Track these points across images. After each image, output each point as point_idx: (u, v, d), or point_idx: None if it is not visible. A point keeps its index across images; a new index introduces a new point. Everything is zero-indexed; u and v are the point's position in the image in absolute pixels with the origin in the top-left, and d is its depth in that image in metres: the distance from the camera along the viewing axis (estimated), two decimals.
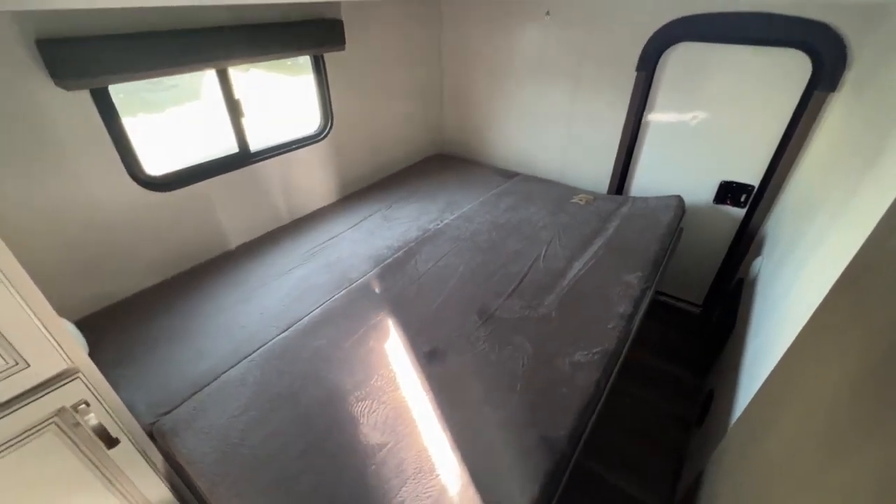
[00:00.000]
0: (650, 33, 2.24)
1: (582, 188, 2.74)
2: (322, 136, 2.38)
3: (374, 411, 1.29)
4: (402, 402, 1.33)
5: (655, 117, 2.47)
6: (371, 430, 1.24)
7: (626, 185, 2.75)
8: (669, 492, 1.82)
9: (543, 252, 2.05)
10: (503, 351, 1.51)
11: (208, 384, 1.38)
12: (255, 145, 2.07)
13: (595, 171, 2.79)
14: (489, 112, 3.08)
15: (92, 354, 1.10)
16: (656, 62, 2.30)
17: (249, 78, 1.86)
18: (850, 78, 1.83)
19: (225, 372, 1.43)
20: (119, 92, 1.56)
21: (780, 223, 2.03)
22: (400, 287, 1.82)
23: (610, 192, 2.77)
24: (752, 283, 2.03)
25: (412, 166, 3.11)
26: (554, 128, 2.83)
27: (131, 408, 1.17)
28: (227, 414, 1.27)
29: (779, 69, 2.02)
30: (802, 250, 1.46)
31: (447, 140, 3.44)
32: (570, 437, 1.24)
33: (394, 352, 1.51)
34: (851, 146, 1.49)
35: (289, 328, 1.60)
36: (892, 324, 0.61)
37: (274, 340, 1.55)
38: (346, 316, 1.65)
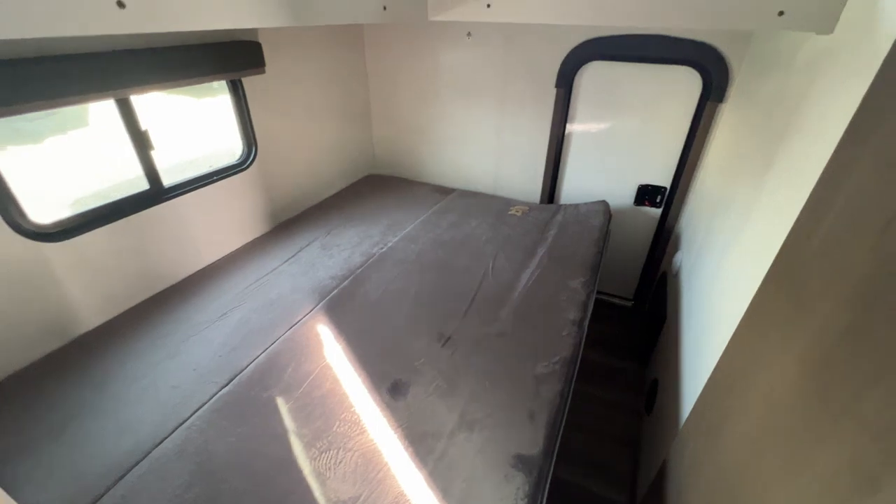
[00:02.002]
0: (565, 53, 2.41)
1: (517, 199, 2.84)
2: (246, 164, 2.21)
3: (340, 462, 1.19)
4: (371, 445, 1.24)
5: (576, 129, 2.65)
6: (340, 483, 1.14)
7: (556, 193, 2.90)
8: (632, 484, 1.91)
9: (491, 266, 2.08)
10: (467, 373, 1.49)
11: (137, 463, 1.18)
12: (168, 179, 1.86)
13: (527, 183, 2.91)
14: (420, 130, 3.09)
15: None
16: (572, 79, 2.48)
17: (145, 101, 1.65)
18: (734, 90, 2.11)
19: (157, 445, 1.23)
20: None
21: (693, 220, 2.26)
22: (351, 319, 1.73)
23: (542, 201, 2.91)
24: (676, 276, 2.23)
25: (346, 189, 3.00)
26: (484, 142, 2.92)
27: None
28: (168, 496, 1.09)
29: (676, 83, 2.28)
30: (720, 244, 1.63)
31: (379, 160, 3.38)
32: (544, 452, 1.24)
33: (354, 391, 1.41)
34: (745, 148, 1.71)
35: (230, 381, 1.43)
36: (832, 309, 0.68)
37: (214, 398, 1.37)
38: (297, 358, 1.52)
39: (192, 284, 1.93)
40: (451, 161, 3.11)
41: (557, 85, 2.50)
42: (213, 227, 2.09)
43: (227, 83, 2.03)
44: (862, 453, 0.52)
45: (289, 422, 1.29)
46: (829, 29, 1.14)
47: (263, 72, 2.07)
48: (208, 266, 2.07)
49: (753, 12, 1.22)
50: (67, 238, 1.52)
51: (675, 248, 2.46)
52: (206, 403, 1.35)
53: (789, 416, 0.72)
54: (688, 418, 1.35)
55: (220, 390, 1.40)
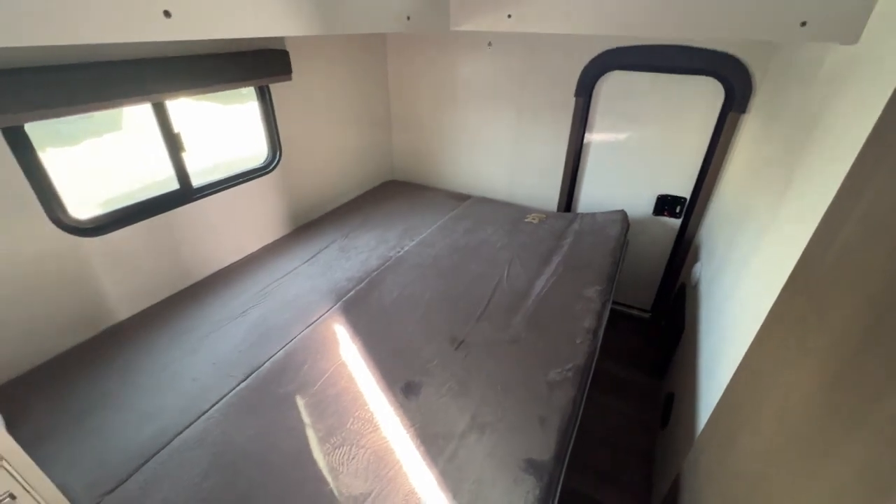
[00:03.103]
0: (585, 63, 2.42)
1: (533, 207, 2.84)
2: (270, 167, 2.28)
3: (353, 458, 1.21)
4: (383, 443, 1.26)
5: (595, 138, 2.65)
6: (353, 478, 1.16)
7: (573, 201, 2.90)
8: (646, 498, 1.87)
9: (506, 273, 2.09)
10: (479, 377, 1.49)
11: (158, 451, 1.23)
12: (197, 180, 1.94)
13: (543, 190, 2.92)
14: (438, 137, 3.13)
15: (11, 431, 0.93)
16: (592, 88, 2.49)
17: (174, 107, 1.74)
18: (757, 101, 2.08)
19: (178, 435, 1.28)
20: (32, 126, 1.39)
21: (713, 231, 2.23)
22: (367, 320, 1.76)
23: (559, 209, 2.90)
24: (695, 287, 2.19)
25: (365, 194, 3.07)
26: (501, 150, 2.94)
27: (65, 492, 1.00)
28: (186, 483, 1.13)
29: (698, 94, 2.26)
30: (740, 254, 1.60)
31: (398, 166, 3.44)
32: (555, 458, 1.24)
33: (368, 390, 1.44)
34: (766, 159, 1.68)
35: (248, 376, 1.48)
36: (850, 317, 0.68)
37: (233, 392, 1.41)
38: (313, 356, 1.55)
39: (215, 282, 2.00)
40: (469, 168, 3.14)
41: (577, 94, 2.51)
42: (237, 228, 2.16)
43: (255, 89, 2.11)
44: (876, 461, 0.52)
45: (304, 417, 1.32)
46: (853, 39, 1.13)
47: (290, 79, 2.15)
48: (231, 265, 2.14)
49: (776, 23, 1.21)
50: (103, 233, 1.60)
51: (695, 260, 2.42)
52: (225, 397, 1.40)
53: (803, 426, 0.71)
54: (703, 431, 1.33)
55: (238, 384, 1.44)
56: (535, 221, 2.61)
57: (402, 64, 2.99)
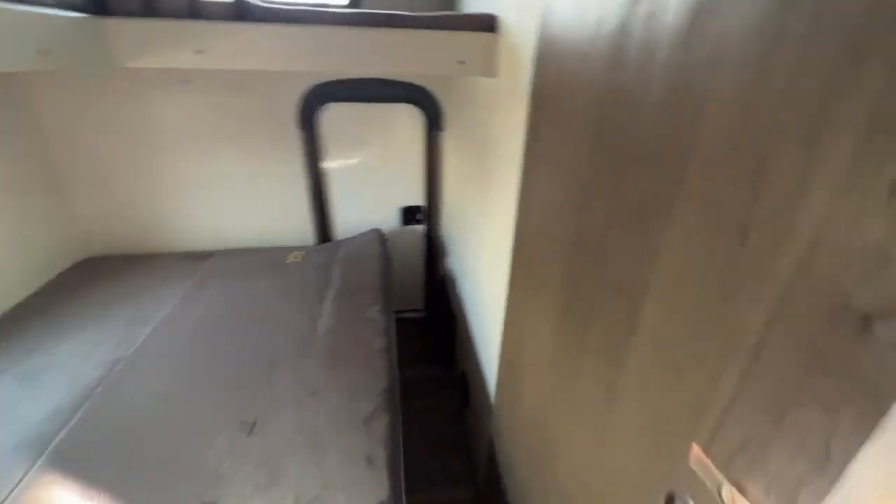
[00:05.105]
0: (297, 97, 2.43)
1: (290, 246, 2.69)
2: None
3: None
4: None
5: (333, 166, 2.72)
6: None
7: (329, 231, 2.90)
8: (472, 474, 2.08)
9: (282, 323, 1.89)
10: (289, 452, 1.30)
11: None
12: None
13: (295, 226, 2.80)
14: (148, 192, 2.54)
15: None
16: (313, 120, 2.53)
17: None
18: (449, 121, 2.59)
19: None
20: None
21: (452, 227, 2.66)
22: (104, 457, 1.26)
23: (318, 241, 2.85)
24: (452, 279, 2.58)
25: (43, 290, 2.18)
26: (235, 194, 2.65)
27: None
28: None
29: (405, 118, 2.63)
30: (474, 242, 1.97)
31: (96, 238, 2.60)
32: (393, 492, 1.21)
33: None
34: (470, 166, 2.12)
35: None
36: (557, 274, 0.92)
37: None
38: None
39: None
40: (200, 220, 2.69)
41: (300, 127, 2.51)
42: None
43: None
44: (604, 374, 0.72)
45: None
46: (494, 74, 1.54)
47: None
48: None
49: (442, 61, 1.52)
50: None
51: (446, 254, 2.83)
52: None
53: (554, 360, 0.93)
54: (496, 395, 1.57)
55: None
56: (298, 260, 2.47)
57: (71, 109, 2.25)
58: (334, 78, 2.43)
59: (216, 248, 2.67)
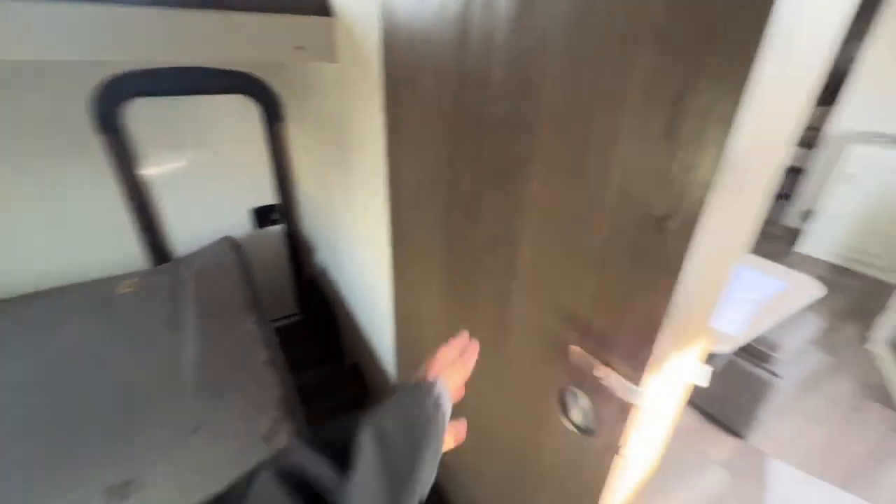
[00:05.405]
0: (84, 97, 1.97)
1: (116, 276, 2.22)
2: None
3: None
4: None
5: (156, 172, 2.31)
6: None
7: (165, 248, 2.48)
8: None
9: (132, 366, 1.60)
10: (187, 497, 1.15)
11: None
12: None
13: (116, 250, 2.32)
14: None
15: None
16: (117, 122, 2.09)
17: None
18: (291, 111, 2.43)
19: None
20: None
21: (317, 220, 2.55)
22: None
23: (155, 263, 2.42)
24: (325, 274, 2.50)
25: None
26: (21, 222, 2.05)
27: None
28: None
29: (236, 111, 2.38)
30: (347, 228, 1.94)
31: None
32: None
33: None
34: (327, 153, 2.04)
35: None
36: (430, 242, 1.01)
37: None
38: None
39: None
40: None
41: (100, 132, 2.05)
42: None
43: None
44: (494, 318, 0.85)
45: None
46: (336, 59, 1.52)
47: None
48: None
49: (277, 47, 1.44)
50: None
51: (312, 251, 2.71)
52: None
53: (450, 324, 1.03)
54: (398, 372, 1.63)
55: None
56: (131, 290, 2.07)
57: None
58: (138, 68, 2.04)
59: (9, 294, 2.04)
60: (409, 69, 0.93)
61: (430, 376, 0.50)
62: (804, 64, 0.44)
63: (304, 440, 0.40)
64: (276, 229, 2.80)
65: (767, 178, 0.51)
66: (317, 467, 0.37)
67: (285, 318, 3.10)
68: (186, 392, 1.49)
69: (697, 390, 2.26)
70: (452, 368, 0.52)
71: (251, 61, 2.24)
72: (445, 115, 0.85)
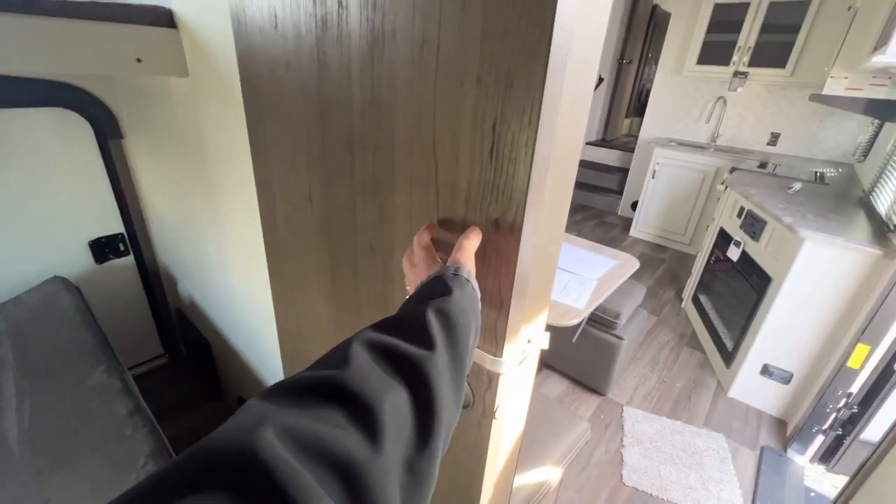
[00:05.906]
0: None
1: None
2: None
3: None
4: None
5: None
6: None
7: None
8: None
9: None
10: None
11: None
12: None
13: None
14: None
15: None
16: None
17: None
18: (130, 126, 2.14)
19: None
20: None
21: (176, 247, 2.28)
22: None
23: None
24: (191, 305, 2.26)
25: None
26: None
27: None
28: None
29: (58, 126, 2.02)
30: (214, 255, 1.80)
31: None
32: None
33: None
34: (178, 171, 1.85)
35: None
36: (305, 249, 1.04)
37: None
38: None
39: None
40: None
41: None
42: None
43: None
44: (374, 318, 0.91)
45: None
46: (185, 73, 1.42)
47: None
48: None
49: (114, 59, 1.29)
50: None
51: (174, 282, 2.42)
52: None
53: (337, 332, 1.07)
54: None
55: None
56: None
57: None
58: None
59: None
60: (271, 89, 0.95)
61: (458, 263, 0.58)
62: (576, 98, 0.61)
63: (371, 326, 0.45)
64: (125, 262, 2.43)
65: (567, 180, 0.69)
66: (394, 340, 0.41)
67: (149, 361, 2.69)
68: (27, 470, 1.23)
69: (567, 362, 2.65)
70: (466, 252, 0.60)
71: (82, 73, 1.92)
72: (313, 135, 0.89)
